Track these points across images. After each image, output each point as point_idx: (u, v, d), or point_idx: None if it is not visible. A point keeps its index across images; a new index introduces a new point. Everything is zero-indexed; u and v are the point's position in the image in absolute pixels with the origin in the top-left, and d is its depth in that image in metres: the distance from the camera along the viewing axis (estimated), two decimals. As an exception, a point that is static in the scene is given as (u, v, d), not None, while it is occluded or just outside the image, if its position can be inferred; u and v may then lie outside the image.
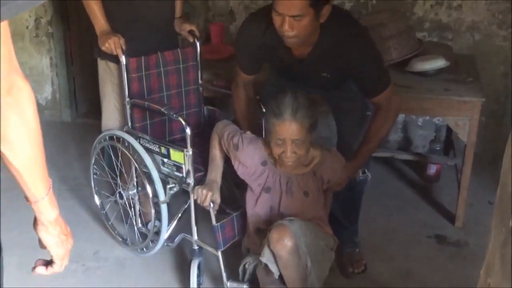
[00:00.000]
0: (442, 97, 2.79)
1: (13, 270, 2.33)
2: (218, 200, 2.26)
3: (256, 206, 2.27)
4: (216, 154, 2.33)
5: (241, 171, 2.26)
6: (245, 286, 2.31)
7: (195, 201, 2.28)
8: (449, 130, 3.38)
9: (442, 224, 2.98)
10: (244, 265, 2.30)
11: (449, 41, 3.44)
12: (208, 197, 2.21)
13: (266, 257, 2.10)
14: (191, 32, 2.68)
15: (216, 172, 2.31)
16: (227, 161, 2.35)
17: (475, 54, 3.35)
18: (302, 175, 2.22)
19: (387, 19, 2.98)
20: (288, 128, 2.07)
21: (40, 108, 4.07)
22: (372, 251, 2.73)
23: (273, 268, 2.11)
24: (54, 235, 1.23)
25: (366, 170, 2.46)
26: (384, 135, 2.40)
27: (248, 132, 2.30)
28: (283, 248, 2.04)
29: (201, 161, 2.43)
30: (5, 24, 0.96)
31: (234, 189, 2.62)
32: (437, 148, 3.41)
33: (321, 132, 3.23)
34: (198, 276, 2.42)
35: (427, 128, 3.57)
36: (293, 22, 2.07)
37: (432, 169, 3.37)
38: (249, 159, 2.23)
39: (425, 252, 2.77)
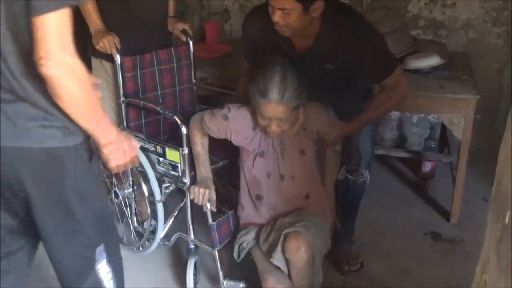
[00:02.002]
0: (436, 95, 2.79)
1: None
2: (214, 197, 2.26)
3: (253, 169, 2.23)
4: (199, 150, 2.29)
5: (235, 139, 2.21)
6: (241, 285, 2.31)
7: (191, 200, 2.28)
8: (444, 127, 3.39)
9: (437, 221, 2.99)
10: (240, 245, 2.27)
11: (443, 39, 3.45)
12: (206, 195, 2.21)
13: (277, 259, 2.09)
14: (184, 31, 2.67)
15: (205, 167, 2.29)
16: (223, 159, 2.33)
17: (470, 52, 3.36)
18: (293, 134, 2.20)
19: (381, 17, 2.98)
20: (274, 110, 2.03)
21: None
22: (368, 248, 2.74)
23: (286, 269, 2.11)
24: (105, 153, 1.63)
25: (368, 172, 2.46)
26: (385, 111, 2.41)
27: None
28: (300, 259, 2.04)
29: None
30: (60, 14, 1.34)
31: (229, 187, 2.62)
32: (432, 146, 3.42)
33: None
34: (195, 274, 2.42)
35: (422, 126, 3.57)
36: (282, 14, 2.08)
37: (427, 167, 3.39)
38: (241, 124, 2.19)
39: (421, 249, 2.78)
